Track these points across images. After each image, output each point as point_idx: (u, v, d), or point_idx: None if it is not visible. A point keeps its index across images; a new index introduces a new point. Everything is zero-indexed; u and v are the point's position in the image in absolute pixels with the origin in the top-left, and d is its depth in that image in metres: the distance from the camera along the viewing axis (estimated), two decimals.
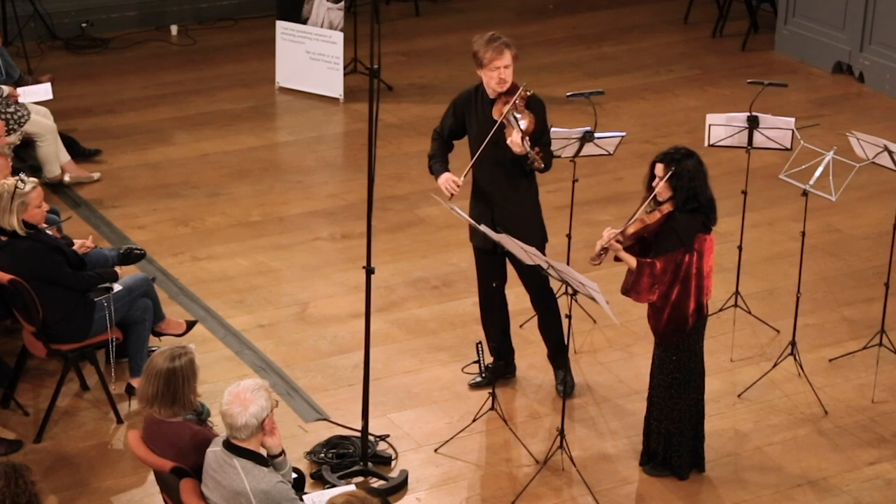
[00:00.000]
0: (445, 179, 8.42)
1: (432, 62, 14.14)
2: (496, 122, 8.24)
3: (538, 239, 8.46)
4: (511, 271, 8.64)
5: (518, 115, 8.23)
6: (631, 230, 7.75)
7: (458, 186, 8.37)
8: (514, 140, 8.15)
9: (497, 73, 8.25)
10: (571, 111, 11.89)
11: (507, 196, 8.44)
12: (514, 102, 8.23)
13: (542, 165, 8.27)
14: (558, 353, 8.78)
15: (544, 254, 8.12)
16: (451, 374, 9.04)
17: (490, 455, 8.30)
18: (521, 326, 9.28)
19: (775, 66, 14.07)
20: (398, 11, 15.51)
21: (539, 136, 8.33)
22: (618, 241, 7.70)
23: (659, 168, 7.70)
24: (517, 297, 8.97)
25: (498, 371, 8.79)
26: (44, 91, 11.36)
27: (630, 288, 7.72)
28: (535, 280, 8.51)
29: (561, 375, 8.79)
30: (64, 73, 13.21)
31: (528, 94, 8.33)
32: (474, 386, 8.86)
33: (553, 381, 8.88)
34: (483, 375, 8.82)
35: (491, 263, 8.59)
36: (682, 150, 7.72)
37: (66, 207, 10.87)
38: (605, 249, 7.75)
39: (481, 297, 8.79)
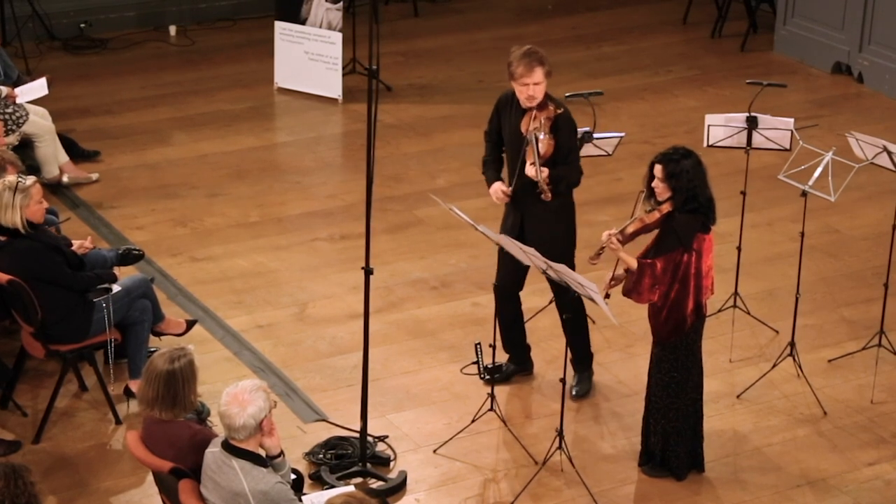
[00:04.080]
0: (495, 190, 8.47)
1: (431, 63, 14.13)
2: (522, 133, 8.25)
3: (564, 250, 8.42)
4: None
5: (540, 136, 8.18)
6: (630, 230, 7.76)
7: (507, 197, 8.40)
8: (527, 171, 8.18)
9: (526, 90, 8.20)
10: (571, 112, 11.85)
11: (538, 205, 8.36)
12: (541, 121, 8.19)
13: (549, 197, 8.21)
14: (582, 360, 8.77)
15: (573, 266, 8.08)
16: (450, 374, 9.04)
17: (489, 456, 8.30)
18: None
19: (774, 67, 14.06)
20: (397, 12, 15.50)
21: (565, 155, 8.31)
22: (617, 241, 7.71)
23: (658, 169, 7.69)
24: (522, 296, 8.94)
25: (511, 371, 8.84)
26: (39, 87, 11.30)
27: (631, 289, 7.72)
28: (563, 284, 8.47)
29: (577, 379, 8.77)
30: (62, 74, 13.19)
31: (559, 111, 8.27)
32: (487, 382, 8.77)
33: (553, 381, 8.85)
34: (483, 376, 8.81)
35: (513, 257, 8.49)
36: (681, 151, 7.72)
37: (64, 208, 10.86)
38: (603, 249, 7.76)
39: (496, 287, 8.71)
